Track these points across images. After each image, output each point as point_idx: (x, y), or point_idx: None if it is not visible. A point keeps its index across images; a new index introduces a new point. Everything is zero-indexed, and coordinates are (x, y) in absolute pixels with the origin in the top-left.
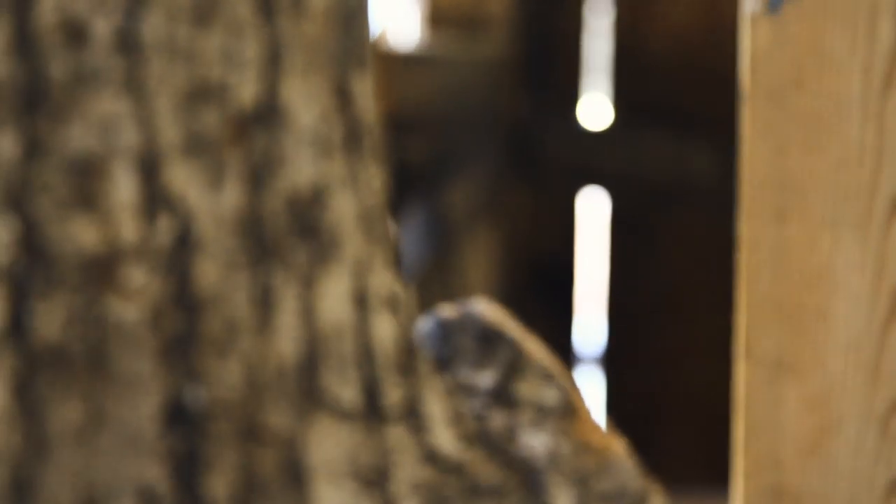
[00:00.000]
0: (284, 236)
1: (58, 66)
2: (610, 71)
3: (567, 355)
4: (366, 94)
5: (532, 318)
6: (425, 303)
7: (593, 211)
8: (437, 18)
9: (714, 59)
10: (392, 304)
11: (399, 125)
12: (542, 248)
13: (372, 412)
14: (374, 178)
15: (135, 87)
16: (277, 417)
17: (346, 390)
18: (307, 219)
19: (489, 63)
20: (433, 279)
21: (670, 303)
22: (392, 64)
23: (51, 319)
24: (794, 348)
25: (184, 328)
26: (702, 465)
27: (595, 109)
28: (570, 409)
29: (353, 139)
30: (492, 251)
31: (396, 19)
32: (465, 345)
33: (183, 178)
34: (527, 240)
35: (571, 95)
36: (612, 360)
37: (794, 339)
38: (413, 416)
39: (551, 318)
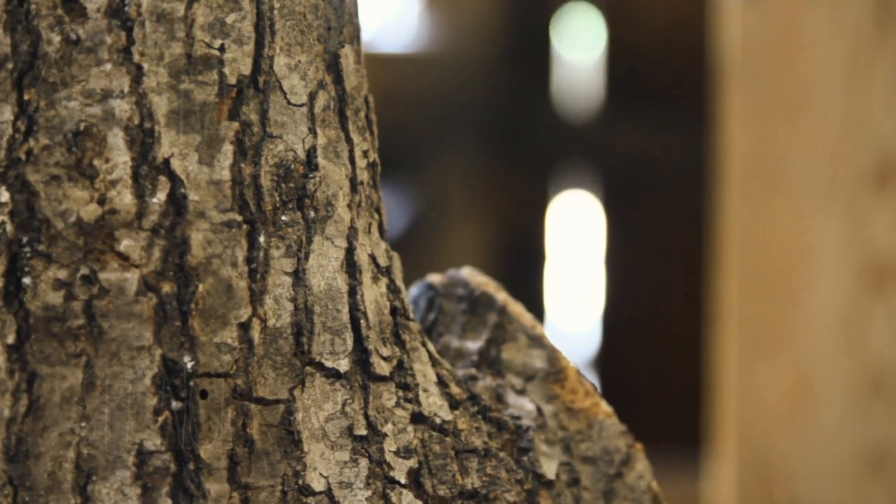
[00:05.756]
0: (277, 205)
1: (54, 39)
2: (598, 56)
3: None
4: (357, 66)
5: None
6: (411, 277)
7: (580, 195)
8: (433, 13)
9: (699, 43)
10: (382, 271)
11: (387, 117)
12: (527, 236)
13: (363, 376)
14: (366, 149)
15: (129, 58)
16: (271, 382)
17: (337, 355)
18: (299, 188)
19: (477, 54)
20: (417, 259)
21: (654, 279)
22: (382, 62)
23: (48, 287)
24: (777, 322)
25: (179, 295)
26: (682, 435)
27: (578, 95)
28: (557, 371)
29: (344, 110)
30: (475, 236)
31: (392, 16)
32: (453, 309)
33: (178, 148)
34: (511, 227)
35: (554, 82)
36: (602, 332)
37: (774, 314)
38: (403, 379)
39: (531, 298)
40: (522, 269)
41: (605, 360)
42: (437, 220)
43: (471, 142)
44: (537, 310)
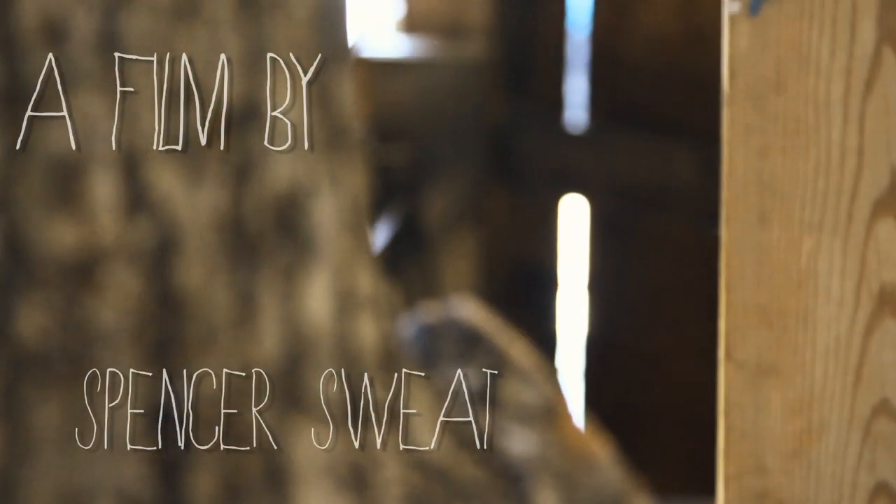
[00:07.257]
0: (266, 236)
1: (39, 67)
2: (589, 75)
3: (547, 359)
4: (347, 94)
5: (512, 323)
6: (406, 306)
7: (574, 215)
8: (416, 23)
9: (693, 62)
10: (374, 305)
11: (379, 130)
12: (523, 252)
13: (354, 413)
14: (356, 179)
15: (115, 86)
16: (259, 416)
17: (327, 391)
18: (288, 219)
19: (469, 67)
20: (413, 283)
21: (652, 306)
22: (372, 69)
23: (32, 321)
24: (777, 352)
25: (165, 329)
26: (684, 470)
27: (575, 113)
28: (553, 411)
29: (334, 139)
30: (472, 255)
31: (375, 24)
32: (447, 346)
33: (164, 178)
34: (507, 243)
35: (551, 99)
36: (593, 364)
37: (777, 343)
38: (395, 417)
39: (532, 322)
40: (519, 290)
41: (600, 385)
42: (431, 234)
43: (465, 155)
44: (531, 330)
